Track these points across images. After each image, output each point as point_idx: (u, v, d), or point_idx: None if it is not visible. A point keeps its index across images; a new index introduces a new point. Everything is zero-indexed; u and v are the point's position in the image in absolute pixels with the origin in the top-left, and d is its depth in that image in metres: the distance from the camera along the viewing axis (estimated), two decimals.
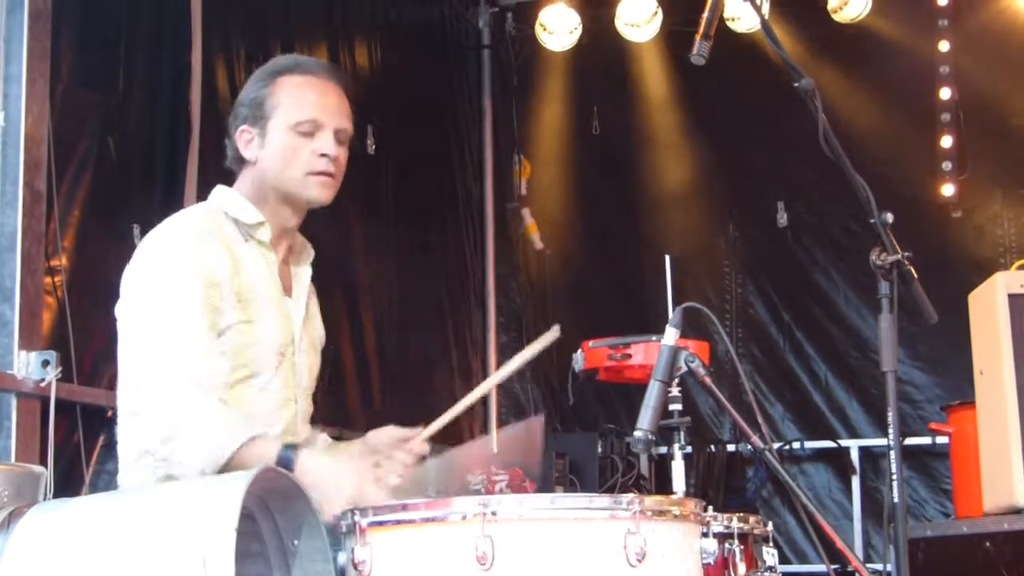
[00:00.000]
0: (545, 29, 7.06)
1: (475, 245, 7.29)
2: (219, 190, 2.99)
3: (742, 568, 2.77)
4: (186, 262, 2.77)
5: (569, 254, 7.30)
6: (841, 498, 6.68)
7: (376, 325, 6.01)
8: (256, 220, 2.93)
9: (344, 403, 5.65)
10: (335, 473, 2.62)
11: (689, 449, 6.43)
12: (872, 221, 2.87)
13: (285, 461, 2.59)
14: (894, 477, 2.80)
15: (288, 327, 2.96)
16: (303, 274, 3.09)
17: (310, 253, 3.12)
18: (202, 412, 2.66)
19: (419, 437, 3.00)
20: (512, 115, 7.36)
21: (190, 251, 2.79)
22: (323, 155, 2.91)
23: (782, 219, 6.93)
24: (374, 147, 6.07)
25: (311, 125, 2.90)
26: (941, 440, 5.83)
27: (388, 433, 3.05)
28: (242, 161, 2.96)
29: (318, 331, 3.16)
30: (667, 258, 3.49)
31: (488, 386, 3.39)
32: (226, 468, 2.59)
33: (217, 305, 2.77)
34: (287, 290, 3.01)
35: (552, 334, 3.01)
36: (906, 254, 2.87)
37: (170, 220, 2.90)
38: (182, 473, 2.62)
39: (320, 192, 2.94)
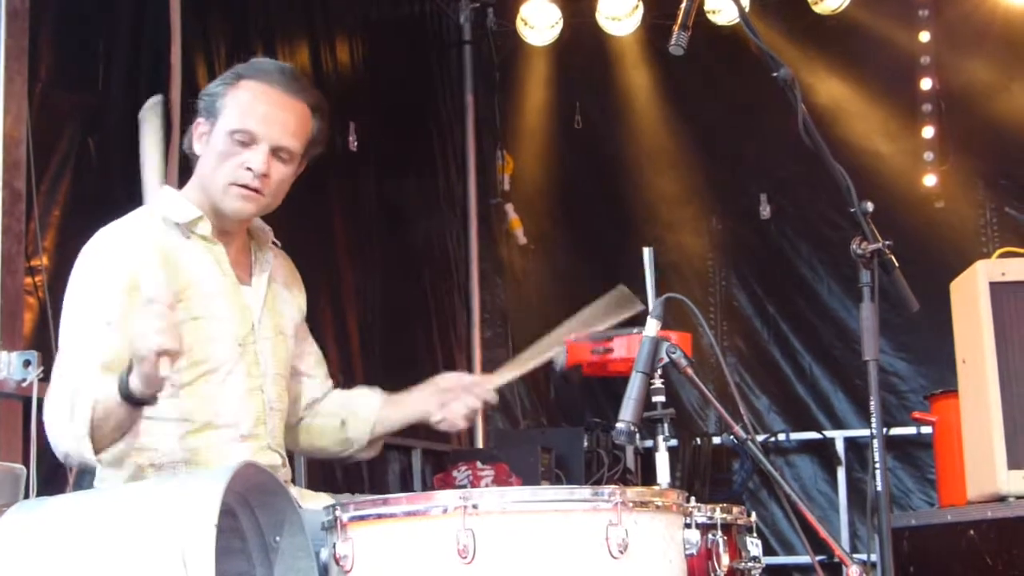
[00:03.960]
0: (526, 24, 7.05)
1: (458, 241, 7.28)
2: (162, 192, 2.92)
3: (726, 559, 2.76)
4: (105, 275, 2.75)
5: (553, 249, 7.29)
6: (827, 489, 6.69)
7: (360, 322, 6.00)
8: (191, 217, 2.88)
9: None
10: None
11: (675, 442, 6.46)
12: (852, 210, 2.87)
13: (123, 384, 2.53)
14: (877, 467, 2.80)
15: (246, 317, 2.92)
16: (265, 258, 3.05)
17: (268, 234, 3.07)
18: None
19: (488, 383, 3.17)
20: (494, 110, 7.34)
21: (110, 263, 2.76)
22: (248, 169, 2.84)
23: (765, 211, 6.93)
24: (356, 144, 6.06)
25: (247, 136, 2.85)
26: (926, 430, 5.84)
27: (457, 377, 3.20)
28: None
29: (286, 315, 3.08)
30: (648, 251, 3.48)
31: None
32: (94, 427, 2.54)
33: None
34: (244, 278, 2.96)
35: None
36: (887, 242, 2.88)
37: (100, 232, 2.85)
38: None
39: (238, 205, 2.87)
